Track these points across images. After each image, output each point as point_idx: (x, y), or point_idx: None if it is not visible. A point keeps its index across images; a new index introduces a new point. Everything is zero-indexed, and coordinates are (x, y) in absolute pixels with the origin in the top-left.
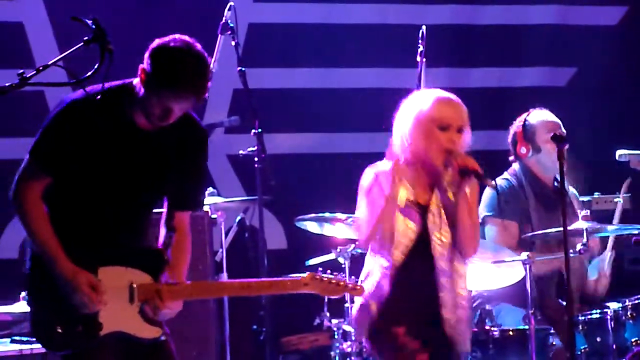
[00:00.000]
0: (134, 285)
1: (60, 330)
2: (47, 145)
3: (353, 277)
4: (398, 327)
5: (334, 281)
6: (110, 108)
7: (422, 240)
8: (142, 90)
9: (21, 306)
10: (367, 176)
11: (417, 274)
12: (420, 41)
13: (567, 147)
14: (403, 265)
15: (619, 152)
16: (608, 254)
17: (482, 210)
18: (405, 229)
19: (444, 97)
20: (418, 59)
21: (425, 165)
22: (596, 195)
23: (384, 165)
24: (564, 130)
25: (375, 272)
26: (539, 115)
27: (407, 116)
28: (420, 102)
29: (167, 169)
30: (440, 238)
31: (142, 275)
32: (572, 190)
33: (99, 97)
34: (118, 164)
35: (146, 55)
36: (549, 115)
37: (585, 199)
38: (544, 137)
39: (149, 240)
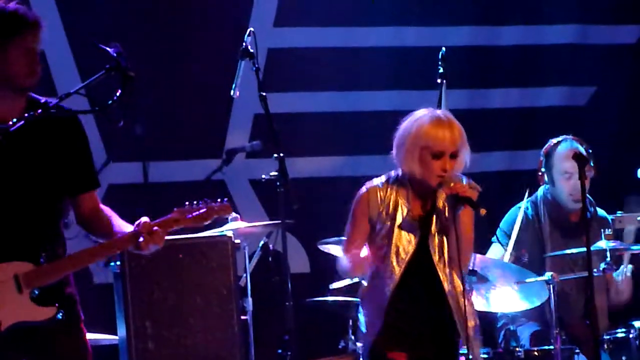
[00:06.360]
0: (19, 275)
1: None
2: None
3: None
4: (397, 352)
5: (201, 209)
6: None
7: (422, 255)
8: None
9: None
10: (358, 194)
11: (417, 290)
12: (440, 63)
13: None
14: (402, 280)
15: None
16: (623, 268)
17: (499, 231)
18: (405, 243)
19: (438, 121)
20: (438, 80)
21: (421, 185)
22: (618, 214)
23: (377, 182)
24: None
25: (374, 289)
26: (561, 149)
27: (403, 140)
28: (415, 126)
29: (38, 163)
30: (438, 252)
31: (24, 264)
32: (602, 213)
33: None
34: (13, 162)
35: None
36: (569, 151)
37: (608, 217)
38: (558, 174)
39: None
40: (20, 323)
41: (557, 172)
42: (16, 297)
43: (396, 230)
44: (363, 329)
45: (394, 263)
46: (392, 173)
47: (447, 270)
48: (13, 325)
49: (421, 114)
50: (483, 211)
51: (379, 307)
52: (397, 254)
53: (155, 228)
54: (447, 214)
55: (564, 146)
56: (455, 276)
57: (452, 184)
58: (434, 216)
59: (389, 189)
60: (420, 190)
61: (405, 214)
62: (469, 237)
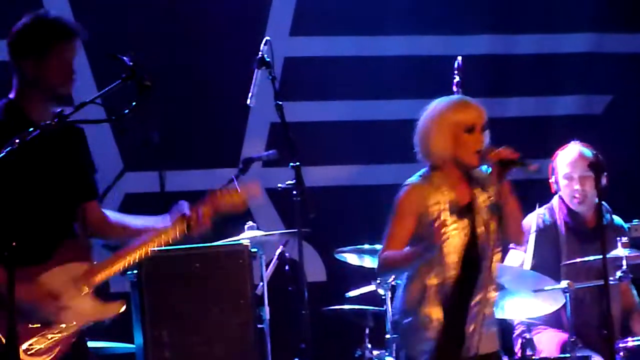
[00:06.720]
0: (78, 276)
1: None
2: None
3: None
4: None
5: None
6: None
7: (472, 243)
8: (31, 75)
9: None
10: (402, 192)
11: (471, 278)
12: (456, 72)
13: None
14: (461, 269)
15: None
16: None
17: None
18: (458, 231)
19: (460, 100)
20: (454, 89)
21: (459, 167)
22: (635, 222)
23: (414, 178)
24: (591, 160)
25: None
26: (563, 154)
27: (428, 129)
28: (436, 111)
29: (61, 166)
30: (486, 236)
31: (79, 265)
32: (619, 221)
33: None
34: (33, 169)
35: (14, 53)
36: (570, 155)
37: (624, 226)
38: (561, 179)
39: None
40: (89, 323)
41: (560, 176)
42: (79, 298)
43: (448, 219)
44: (420, 332)
45: (448, 252)
46: (424, 169)
47: (493, 251)
48: (84, 326)
49: (438, 102)
50: (534, 167)
51: (440, 300)
52: (451, 243)
53: (201, 209)
54: (490, 191)
55: (567, 149)
56: (496, 259)
57: (493, 152)
58: (476, 198)
59: (427, 183)
60: (456, 175)
61: (450, 202)
62: (516, 205)
